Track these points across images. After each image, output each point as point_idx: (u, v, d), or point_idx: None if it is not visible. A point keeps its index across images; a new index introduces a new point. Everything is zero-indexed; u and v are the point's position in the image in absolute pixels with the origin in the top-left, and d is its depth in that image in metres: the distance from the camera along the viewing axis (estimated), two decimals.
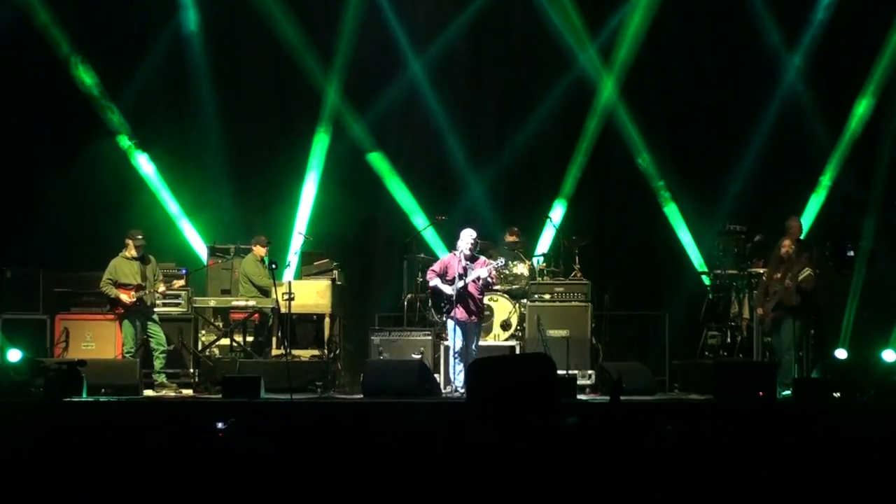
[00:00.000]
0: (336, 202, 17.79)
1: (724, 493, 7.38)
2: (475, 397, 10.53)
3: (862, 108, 17.15)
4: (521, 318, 15.28)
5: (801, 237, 14.94)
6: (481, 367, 10.98)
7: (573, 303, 15.10)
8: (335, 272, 16.20)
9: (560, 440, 8.50)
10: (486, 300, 14.85)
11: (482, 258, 14.12)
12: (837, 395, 13.17)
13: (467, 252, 13.89)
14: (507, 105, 18.46)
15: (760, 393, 13.04)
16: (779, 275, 14.14)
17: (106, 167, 17.30)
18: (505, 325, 15.35)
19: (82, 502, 7.71)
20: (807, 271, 13.92)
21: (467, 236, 13.95)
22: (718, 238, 16.13)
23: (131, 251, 14.72)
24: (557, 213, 17.58)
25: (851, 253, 8.24)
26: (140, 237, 14.77)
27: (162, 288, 14.81)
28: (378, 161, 17.99)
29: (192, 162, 17.70)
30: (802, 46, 17.52)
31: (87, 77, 17.49)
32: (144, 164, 17.73)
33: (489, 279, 14.00)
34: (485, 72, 18.55)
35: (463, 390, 13.52)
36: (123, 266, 14.67)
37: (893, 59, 17.08)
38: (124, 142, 17.67)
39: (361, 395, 13.69)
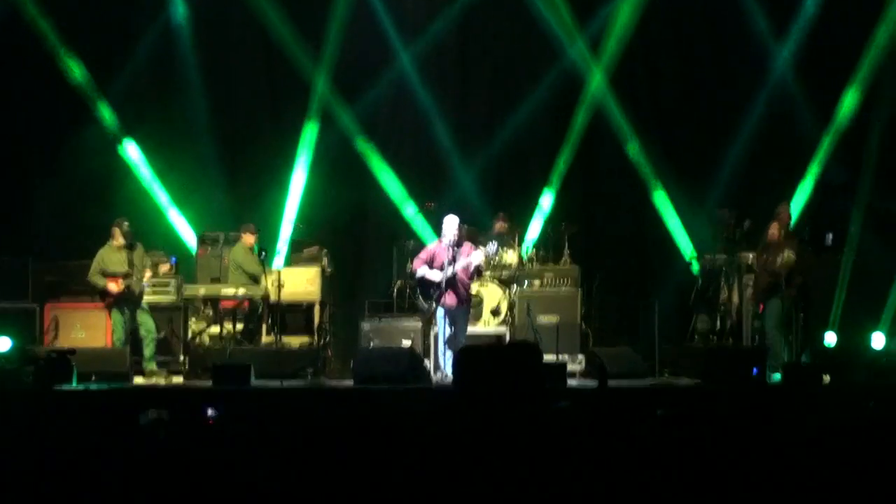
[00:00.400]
0: (325, 190, 17.80)
1: (714, 478, 7.39)
2: (462, 385, 10.55)
3: (850, 98, 17.18)
4: (511, 305, 15.30)
5: (791, 223, 15.01)
6: (468, 355, 11.01)
7: (563, 289, 15.14)
8: (325, 259, 16.21)
9: (548, 427, 8.51)
10: (475, 287, 14.88)
11: (468, 244, 14.13)
12: (827, 379, 13.22)
13: (454, 239, 13.88)
14: (496, 94, 18.46)
15: (755, 370, 13.06)
16: (765, 258, 14.24)
17: (94, 156, 17.26)
18: (495, 312, 15.37)
19: (72, 490, 7.70)
20: (787, 254, 13.98)
21: (451, 223, 13.93)
22: (710, 223, 16.19)
23: (119, 240, 14.71)
24: (547, 200, 17.59)
25: (830, 237, 8.23)
26: (126, 224, 14.75)
27: (149, 274, 14.79)
28: (367, 149, 17.99)
29: (181, 151, 17.66)
30: (792, 36, 17.53)
31: (75, 67, 17.44)
32: (133, 153, 17.71)
33: (480, 266, 14.01)
34: (474, 61, 18.55)
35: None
36: (111, 255, 14.66)
37: (881, 50, 17.10)
38: (113, 131, 17.64)
39: (351, 382, 13.71)
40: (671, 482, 7.31)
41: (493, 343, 14.28)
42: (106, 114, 17.58)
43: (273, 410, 11.48)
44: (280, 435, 8.57)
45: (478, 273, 14.17)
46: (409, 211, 17.45)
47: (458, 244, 13.91)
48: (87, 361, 13.67)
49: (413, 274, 14.35)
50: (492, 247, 14.33)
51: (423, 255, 14.13)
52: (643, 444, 7.84)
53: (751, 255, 15.04)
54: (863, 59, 17.12)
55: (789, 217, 14.92)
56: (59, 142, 17.31)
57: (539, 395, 10.08)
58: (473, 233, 15.65)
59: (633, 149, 17.68)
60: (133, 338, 14.74)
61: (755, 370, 13.04)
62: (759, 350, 14.10)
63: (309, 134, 17.91)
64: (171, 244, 17.10)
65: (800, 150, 17.36)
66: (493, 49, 18.48)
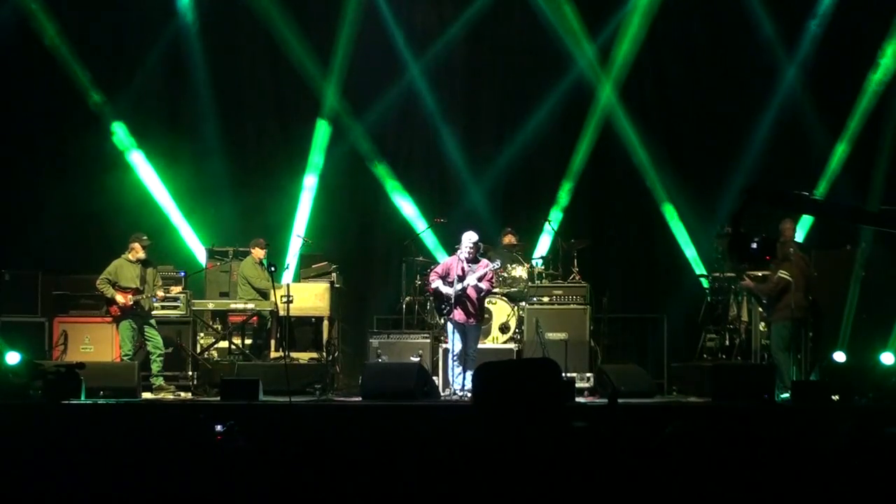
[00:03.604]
0: (334, 204, 17.83)
1: (722, 496, 7.37)
2: (481, 402, 10.52)
3: (859, 112, 17.18)
4: (520, 321, 15.27)
5: (800, 240, 15.01)
6: (487, 371, 10.97)
7: (572, 305, 15.10)
8: (333, 275, 16.20)
9: (562, 444, 8.49)
10: (484, 303, 14.86)
11: (484, 261, 14.09)
12: (836, 398, 13.18)
13: (467, 255, 13.87)
14: (505, 107, 18.49)
15: (766, 395, 13.04)
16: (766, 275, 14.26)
17: (104, 170, 17.33)
18: (503, 328, 15.35)
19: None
20: (780, 273, 13.97)
21: (467, 240, 13.91)
22: (717, 241, 16.11)
23: (137, 254, 14.74)
24: (556, 215, 17.58)
25: (755, 245, 8.07)
26: (145, 239, 14.81)
27: (160, 293, 14.82)
28: (376, 163, 18.01)
29: (191, 165, 17.70)
30: (801, 50, 17.55)
31: (85, 79, 17.49)
32: (143, 167, 17.74)
33: (482, 284, 13.91)
34: (483, 74, 18.59)
35: (461, 393, 13.53)
36: (126, 269, 14.68)
37: (888, 69, 17.12)
38: (122, 145, 17.67)
39: (360, 398, 13.69)
40: (678, 500, 7.30)
41: (511, 359, 14.24)
42: (116, 127, 17.62)
43: (281, 426, 11.45)
44: (288, 451, 8.57)
45: (479, 292, 14.03)
46: (419, 226, 17.45)
47: (473, 261, 13.89)
48: (95, 376, 13.66)
49: (425, 287, 14.35)
50: (496, 264, 14.30)
51: (439, 268, 14.14)
52: (651, 462, 7.82)
53: (760, 273, 14.99)
54: (871, 73, 17.15)
55: (793, 232, 14.89)
56: (69, 155, 17.36)
57: (557, 411, 10.07)
58: (483, 248, 15.63)
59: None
60: (142, 352, 14.77)
61: (766, 396, 13.01)
62: (768, 368, 14.08)
63: (318, 147, 17.93)
64: (180, 258, 17.12)
65: (810, 164, 17.32)
66: (502, 62, 18.51)
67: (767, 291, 14.23)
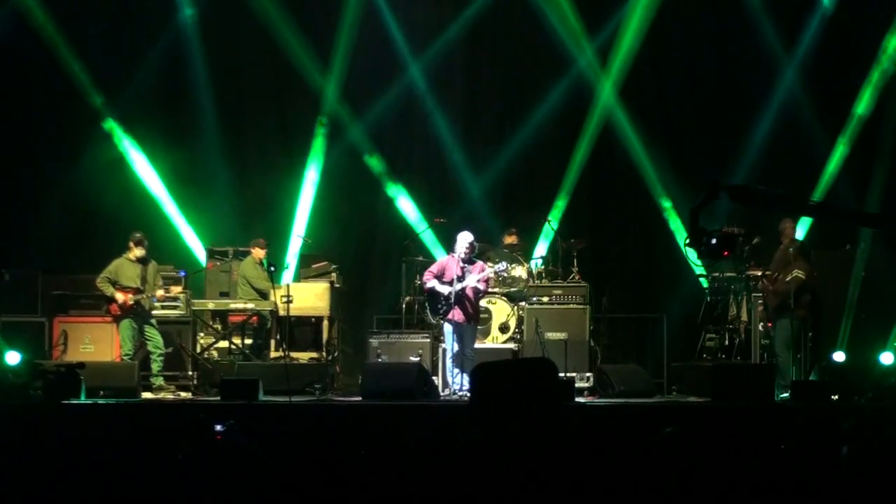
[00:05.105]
0: (334, 204, 17.83)
1: (723, 496, 7.38)
2: (478, 401, 10.52)
3: (861, 111, 17.18)
4: (520, 321, 15.27)
5: (800, 238, 15.01)
6: (484, 371, 10.98)
7: (571, 305, 15.09)
8: (333, 275, 16.22)
9: (559, 444, 8.49)
10: (484, 303, 14.86)
11: (479, 262, 14.09)
12: (835, 397, 13.18)
13: (464, 255, 13.86)
14: (505, 107, 18.49)
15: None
16: (779, 275, 14.21)
17: (104, 170, 17.33)
18: (503, 328, 15.34)
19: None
20: (795, 272, 13.97)
21: (463, 240, 13.90)
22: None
23: (135, 253, 14.75)
24: (556, 215, 17.58)
25: (714, 241, 8.01)
26: (138, 235, 14.81)
27: (160, 292, 14.82)
28: (376, 163, 18.02)
29: (191, 164, 17.70)
30: (801, 50, 17.55)
31: (84, 78, 17.49)
32: (142, 167, 17.74)
33: (479, 285, 13.92)
34: (483, 74, 18.59)
35: (461, 393, 13.53)
36: (126, 268, 14.69)
37: (891, 64, 17.11)
38: (121, 143, 17.68)
39: (360, 398, 13.69)
40: (678, 500, 7.30)
41: (507, 360, 14.24)
42: (115, 126, 17.63)
43: (281, 426, 11.46)
44: (288, 450, 8.57)
45: (476, 293, 14.04)
46: (419, 226, 17.45)
47: (469, 261, 13.89)
48: (95, 376, 13.66)
49: (423, 285, 14.36)
50: (501, 266, 14.31)
51: (435, 268, 14.13)
52: (651, 462, 7.82)
53: (759, 272, 15.00)
54: (873, 71, 17.15)
55: (793, 232, 14.90)
56: (70, 155, 17.37)
57: (554, 412, 10.08)
58: (483, 248, 15.64)
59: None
60: (142, 352, 14.78)
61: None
62: (767, 368, 14.08)
63: (318, 147, 17.94)
64: (180, 258, 17.11)
65: (810, 164, 17.32)
66: (502, 61, 18.51)
67: (785, 290, 14.13)
